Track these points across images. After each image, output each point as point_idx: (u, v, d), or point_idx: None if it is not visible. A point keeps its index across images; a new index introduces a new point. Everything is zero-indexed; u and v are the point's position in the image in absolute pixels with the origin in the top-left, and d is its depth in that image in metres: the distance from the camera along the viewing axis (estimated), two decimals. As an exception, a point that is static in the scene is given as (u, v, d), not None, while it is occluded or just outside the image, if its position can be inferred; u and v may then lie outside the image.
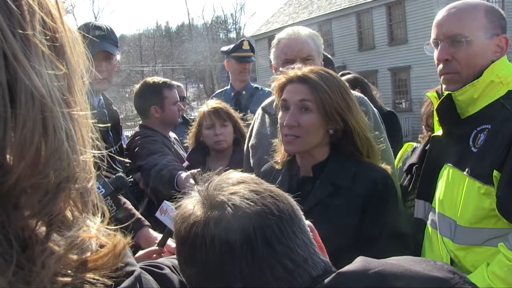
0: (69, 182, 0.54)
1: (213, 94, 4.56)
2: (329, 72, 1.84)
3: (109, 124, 2.64)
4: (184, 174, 2.65)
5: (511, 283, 1.55)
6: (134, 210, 2.46)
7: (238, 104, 4.05)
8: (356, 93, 2.55)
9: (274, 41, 2.48)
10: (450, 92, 1.82)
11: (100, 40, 2.50)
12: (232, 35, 60.14)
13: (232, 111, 3.02)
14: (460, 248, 1.72)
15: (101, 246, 0.60)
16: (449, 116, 1.86)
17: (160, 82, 3.24)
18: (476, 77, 1.76)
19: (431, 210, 1.91)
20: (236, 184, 0.94)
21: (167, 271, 0.95)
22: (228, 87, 4.32)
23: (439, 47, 1.82)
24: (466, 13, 1.79)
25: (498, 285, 1.57)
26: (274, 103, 2.17)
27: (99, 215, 0.62)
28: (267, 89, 4.05)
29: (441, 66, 1.84)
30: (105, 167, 0.64)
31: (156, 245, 1.91)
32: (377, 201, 1.71)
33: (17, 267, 0.49)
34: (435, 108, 1.93)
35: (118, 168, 2.56)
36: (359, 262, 0.88)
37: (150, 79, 3.34)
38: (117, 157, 2.71)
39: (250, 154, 2.57)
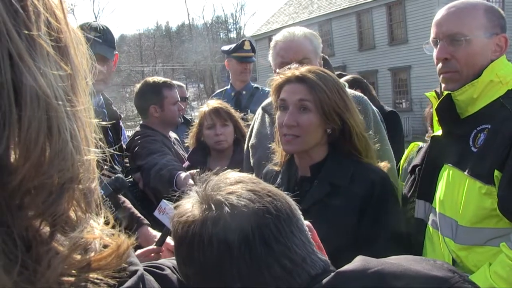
0: (73, 183, 0.54)
1: (213, 94, 4.56)
2: (326, 71, 1.85)
3: (108, 124, 2.63)
4: (183, 174, 2.65)
5: None
6: (134, 209, 2.47)
7: (238, 104, 4.04)
8: (356, 92, 2.56)
9: (272, 43, 2.50)
10: (449, 92, 1.82)
11: (95, 42, 2.49)
12: (233, 35, 60.15)
13: (232, 111, 3.02)
14: (462, 248, 1.72)
15: (105, 246, 0.60)
16: (448, 116, 1.86)
17: (160, 81, 3.25)
18: (475, 77, 1.76)
19: (431, 211, 1.91)
20: (234, 184, 0.94)
21: (168, 271, 0.95)
22: (229, 87, 4.31)
23: (438, 46, 1.83)
24: (465, 12, 1.79)
25: (500, 285, 1.57)
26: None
27: (103, 215, 0.63)
28: (267, 89, 4.04)
29: (440, 65, 1.84)
30: (105, 167, 0.64)
31: (155, 244, 1.92)
32: (376, 202, 1.72)
33: (22, 267, 0.49)
34: (434, 108, 1.93)
35: (117, 168, 2.57)
36: (358, 262, 0.88)
37: (150, 79, 3.35)
38: (116, 157, 2.72)
39: (250, 154, 2.57)
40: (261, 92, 4.11)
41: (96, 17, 52.42)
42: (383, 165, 1.90)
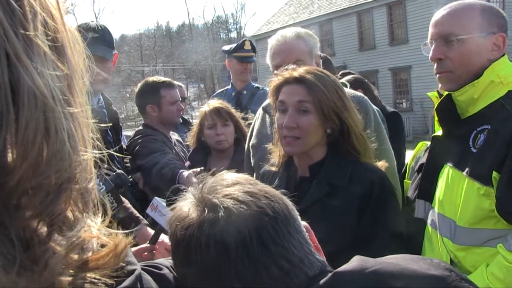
0: (71, 183, 0.54)
1: (214, 94, 4.56)
2: (324, 71, 1.85)
3: (108, 124, 2.64)
4: (186, 172, 2.66)
5: (510, 284, 1.55)
6: (133, 209, 2.47)
7: (239, 103, 4.04)
8: (356, 92, 2.56)
9: (268, 46, 2.51)
10: (450, 92, 1.83)
11: (94, 43, 2.49)
12: (233, 35, 60.14)
13: (233, 110, 3.03)
14: (460, 248, 1.72)
15: (102, 246, 0.60)
16: (448, 116, 1.86)
17: (159, 81, 3.25)
18: (471, 76, 1.76)
19: (431, 210, 1.91)
20: (230, 186, 0.93)
21: (165, 271, 0.95)
22: (229, 86, 4.31)
23: (432, 46, 1.84)
24: (460, 12, 1.80)
25: (497, 286, 1.57)
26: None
27: (100, 214, 0.63)
28: (268, 89, 4.05)
29: (435, 65, 1.85)
30: (104, 167, 0.64)
31: (148, 242, 1.92)
32: (375, 202, 1.72)
33: (20, 268, 0.49)
34: (435, 108, 1.93)
35: (117, 169, 2.57)
36: (355, 262, 0.88)
37: (151, 78, 3.36)
38: (116, 157, 2.72)
39: (251, 154, 2.58)
40: (262, 92, 4.11)
41: (96, 17, 52.48)
42: (381, 164, 1.90)
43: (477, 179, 1.65)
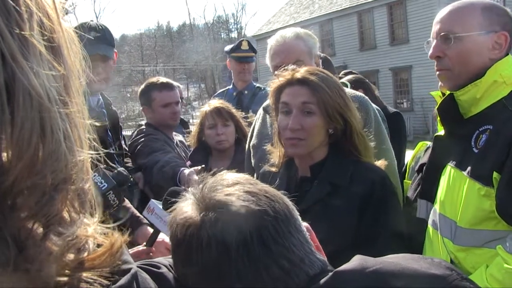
0: (67, 183, 0.54)
1: (215, 94, 4.56)
2: (325, 71, 1.85)
3: (107, 124, 2.64)
4: (187, 171, 2.66)
5: (508, 285, 1.54)
6: (133, 209, 2.47)
7: (240, 103, 4.04)
8: (357, 92, 2.56)
9: (267, 47, 2.51)
10: (452, 91, 1.82)
11: (96, 42, 2.50)
12: (234, 35, 60.18)
13: (234, 110, 3.03)
14: (460, 249, 1.71)
15: (99, 245, 0.60)
16: (450, 116, 1.86)
17: (152, 83, 3.25)
18: (472, 75, 1.75)
19: (432, 211, 1.91)
20: (231, 185, 0.93)
21: (164, 270, 0.95)
22: (231, 86, 4.31)
23: (432, 44, 1.84)
24: (460, 10, 1.79)
25: (495, 287, 1.57)
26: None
27: (97, 214, 0.62)
28: (269, 89, 4.04)
29: (435, 63, 1.85)
30: (103, 167, 0.64)
31: (144, 244, 1.92)
32: (376, 202, 1.71)
33: (15, 268, 0.49)
34: (436, 107, 1.92)
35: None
36: (356, 261, 0.88)
37: (150, 79, 3.37)
38: (116, 157, 2.72)
39: (251, 154, 2.58)
40: (263, 92, 4.11)
41: (97, 17, 52.54)
42: (380, 163, 1.90)
43: (478, 179, 1.64)
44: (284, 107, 1.82)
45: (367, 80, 4.37)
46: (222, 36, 61.03)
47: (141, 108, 3.40)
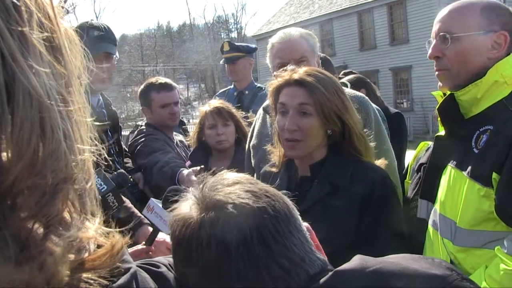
0: (67, 183, 0.54)
1: (216, 94, 4.57)
2: (324, 72, 1.84)
3: (107, 123, 2.64)
4: (186, 171, 2.67)
5: (507, 286, 1.54)
6: (134, 209, 2.47)
7: (241, 103, 4.04)
8: (356, 92, 2.56)
9: (268, 46, 2.50)
10: (452, 91, 1.82)
11: (100, 40, 2.51)
12: (234, 35, 60.14)
13: (234, 110, 3.02)
14: (460, 250, 1.71)
15: (99, 246, 0.60)
16: (451, 116, 1.85)
17: (151, 84, 3.26)
18: (471, 75, 1.75)
19: (433, 211, 1.90)
20: (231, 185, 0.93)
21: (163, 269, 0.95)
22: (231, 86, 4.32)
23: (431, 44, 1.84)
24: (458, 10, 1.79)
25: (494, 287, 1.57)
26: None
27: (98, 215, 0.62)
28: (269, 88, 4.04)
29: (435, 63, 1.86)
30: (104, 167, 0.64)
31: (143, 243, 1.92)
32: (377, 201, 1.71)
33: (15, 268, 0.49)
34: (437, 107, 1.92)
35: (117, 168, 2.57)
36: (356, 261, 0.88)
37: (150, 80, 3.38)
38: (116, 157, 2.72)
39: (251, 155, 2.57)
40: (264, 92, 4.11)
41: (97, 17, 52.58)
42: (381, 162, 1.90)
43: (478, 180, 1.64)
44: (281, 108, 1.83)
45: (368, 80, 4.37)
46: (222, 36, 60.99)
47: (141, 108, 3.41)
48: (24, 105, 0.48)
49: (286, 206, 0.94)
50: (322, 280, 0.87)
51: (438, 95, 1.98)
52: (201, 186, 0.95)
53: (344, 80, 3.98)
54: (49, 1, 0.55)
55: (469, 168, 1.69)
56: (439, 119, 1.94)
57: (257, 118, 2.66)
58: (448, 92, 1.85)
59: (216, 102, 3.04)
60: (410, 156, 2.52)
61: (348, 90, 2.42)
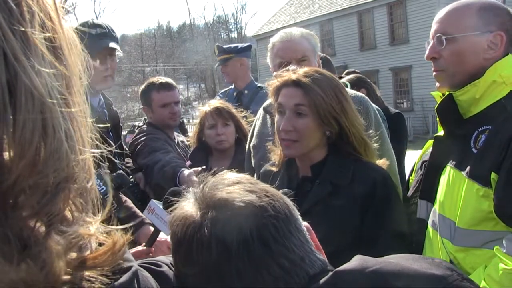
0: (68, 182, 0.54)
1: (218, 94, 4.60)
2: (324, 73, 1.84)
3: (108, 125, 2.64)
4: (187, 171, 2.67)
5: (506, 286, 1.54)
6: (135, 209, 2.47)
7: (240, 103, 4.04)
8: (357, 92, 2.56)
9: (269, 45, 2.51)
10: (450, 92, 1.82)
11: (103, 37, 2.51)
12: (234, 35, 60.15)
13: (234, 110, 3.02)
14: (459, 250, 1.71)
15: (101, 244, 0.60)
16: (449, 116, 1.85)
17: (154, 83, 3.26)
18: (467, 75, 1.75)
19: (432, 211, 1.90)
20: (231, 185, 0.93)
21: (165, 268, 0.95)
22: (232, 86, 4.33)
23: (429, 45, 1.85)
24: (456, 11, 1.79)
25: (493, 287, 1.57)
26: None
27: (99, 214, 0.63)
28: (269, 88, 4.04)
29: (432, 63, 1.86)
30: (104, 167, 0.64)
31: (144, 244, 1.92)
32: (378, 201, 1.71)
33: (17, 267, 0.49)
34: (435, 107, 1.92)
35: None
36: (356, 261, 0.88)
37: (150, 79, 3.38)
38: (117, 157, 2.72)
39: (252, 155, 2.57)
40: (264, 92, 4.11)
41: (97, 17, 52.46)
42: (382, 162, 1.90)
43: (476, 180, 1.64)
44: (279, 108, 1.84)
45: (369, 80, 4.37)
46: (222, 36, 60.96)
47: (142, 107, 3.42)
48: (26, 105, 0.48)
49: (286, 206, 0.94)
50: (322, 280, 0.87)
51: (437, 95, 1.98)
52: (201, 186, 0.95)
53: (344, 80, 3.99)
54: (52, 2, 0.55)
55: (468, 168, 1.69)
56: (438, 119, 1.94)
57: (258, 118, 2.66)
58: (447, 92, 1.85)
59: (216, 102, 3.05)
60: (410, 156, 2.52)
61: (349, 90, 2.42)
